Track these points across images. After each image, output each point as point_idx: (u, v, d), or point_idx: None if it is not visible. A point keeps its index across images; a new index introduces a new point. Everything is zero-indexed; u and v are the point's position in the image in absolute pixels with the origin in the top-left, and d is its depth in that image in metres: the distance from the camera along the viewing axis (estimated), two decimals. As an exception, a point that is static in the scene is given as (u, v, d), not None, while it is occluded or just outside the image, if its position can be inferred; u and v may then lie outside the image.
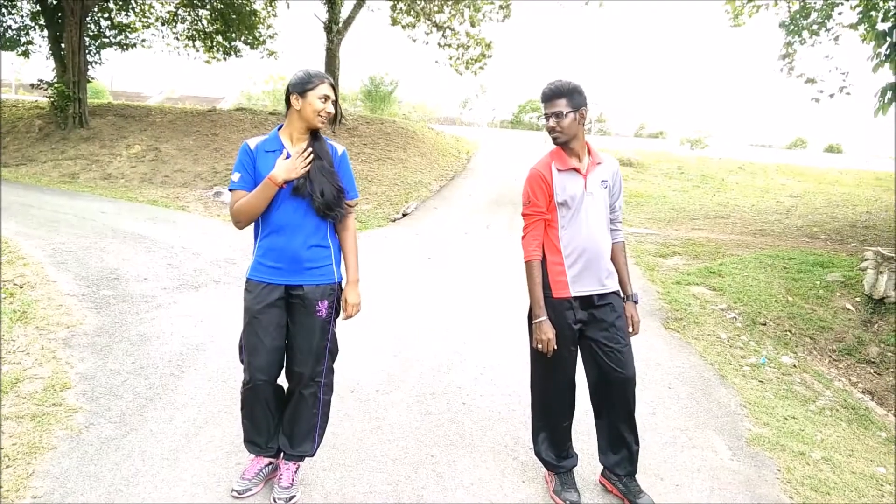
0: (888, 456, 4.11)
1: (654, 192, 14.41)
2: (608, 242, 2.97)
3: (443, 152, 17.10)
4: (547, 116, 2.85)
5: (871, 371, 5.68)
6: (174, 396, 3.79)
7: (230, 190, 2.80)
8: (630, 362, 2.95)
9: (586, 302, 2.93)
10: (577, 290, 2.90)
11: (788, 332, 6.09)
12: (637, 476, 3.10)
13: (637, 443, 3.05)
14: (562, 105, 2.80)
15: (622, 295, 3.05)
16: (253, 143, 2.78)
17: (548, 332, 2.86)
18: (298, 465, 2.97)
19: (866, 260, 7.01)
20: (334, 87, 2.79)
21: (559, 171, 2.88)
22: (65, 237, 7.19)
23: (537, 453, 3.17)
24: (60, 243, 6.87)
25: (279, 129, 2.82)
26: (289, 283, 2.77)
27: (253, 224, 2.81)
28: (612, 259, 3.02)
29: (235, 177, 2.75)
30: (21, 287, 5.27)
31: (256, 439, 2.93)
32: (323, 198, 2.70)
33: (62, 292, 5.32)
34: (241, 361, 2.88)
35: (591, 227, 2.89)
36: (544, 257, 2.93)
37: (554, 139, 2.87)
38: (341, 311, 2.89)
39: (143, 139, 15.54)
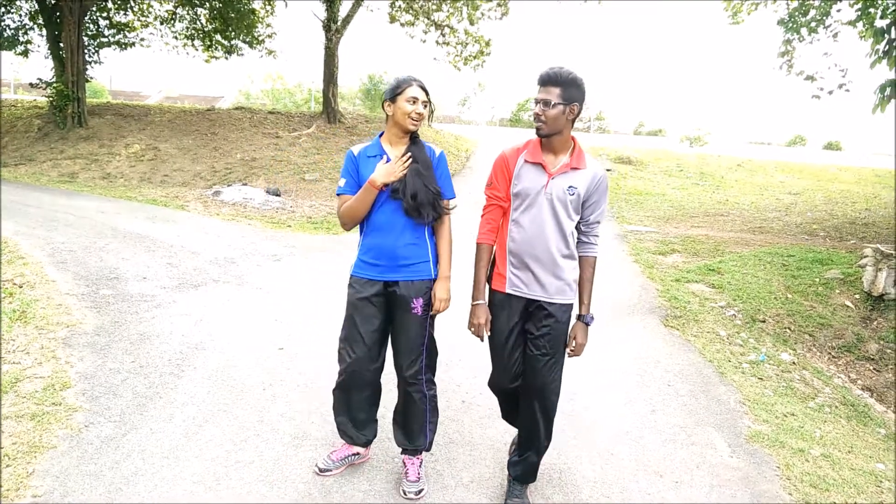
0: (887, 452, 4.11)
1: (654, 190, 14.40)
2: (561, 251, 2.73)
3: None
4: (536, 101, 2.67)
5: (871, 368, 5.68)
6: (174, 395, 3.79)
7: (338, 195, 2.97)
8: (543, 373, 2.79)
9: (525, 305, 2.80)
10: (512, 289, 2.79)
11: (788, 330, 6.09)
12: (635, 473, 3.09)
13: (537, 454, 2.95)
14: (554, 94, 2.60)
15: (579, 312, 2.85)
16: (356, 149, 2.95)
17: (480, 317, 2.81)
18: (421, 460, 3.11)
19: (865, 257, 7.01)
20: (424, 88, 2.86)
21: (526, 161, 2.73)
22: (64, 237, 7.19)
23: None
24: (60, 243, 6.87)
25: (381, 135, 2.96)
26: (387, 280, 2.88)
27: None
28: (580, 272, 2.84)
29: (341, 182, 2.95)
30: (21, 286, 5.27)
31: (348, 430, 3.10)
32: (414, 201, 2.80)
33: (62, 292, 5.32)
34: (338, 355, 3.03)
35: (539, 229, 2.70)
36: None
37: (536, 129, 2.71)
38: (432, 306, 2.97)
39: (142, 138, 15.53)
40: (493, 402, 4.02)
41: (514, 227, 2.76)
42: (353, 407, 3.06)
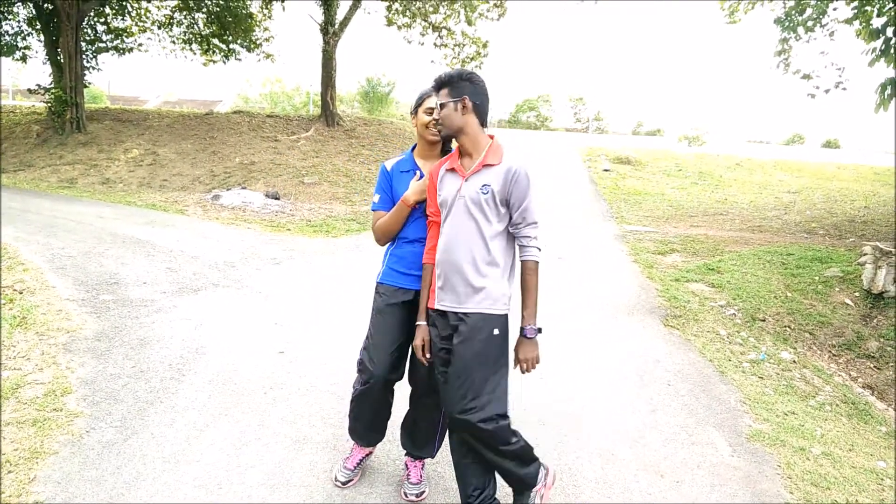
0: (888, 450, 4.12)
1: (653, 190, 14.41)
2: (482, 256, 2.55)
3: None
4: (431, 111, 2.70)
5: (871, 366, 5.69)
6: (175, 400, 3.79)
7: (372, 210, 2.97)
8: (450, 394, 2.56)
9: (447, 319, 2.63)
10: (439, 304, 2.63)
11: (788, 328, 6.10)
12: (636, 473, 3.09)
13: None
14: (444, 95, 2.56)
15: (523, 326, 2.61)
16: (389, 164, 2.95)
17: (417, 338, 2.71)
18: (423, 462, 3.11)
19: (865, 255, 7.02)
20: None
21: (446, 170, 2.65)
22: (64, 242, 7.19)
23: None
24: (59, 248, 6.87)
25: (413, 148, 2.96)
26: (417, 289, 2.86)
27: None
28: (520, 280, 2.64)
29: (376, 198, 2.95)
30: (21, 292, 5.27)
31: (363, 433, 3.09)
32: None
33: (62, 297, 5.32)
34: (358, 364, 2.97)
35: (455, 235, 2.56)
36: None
37: (438, 132, 2.69)
38: None
39: (141, 143, 15.54)
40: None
41: (440, 238, 2.65)
42: (369, 413, 3.02)
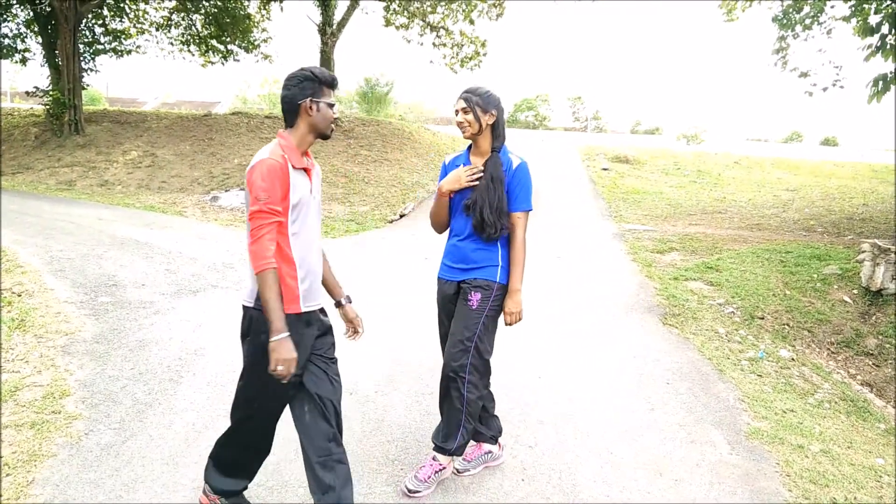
0: (887, 447, 4.12)
1: (651, 189, 14.41)
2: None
3: (439, 152, 17.10)
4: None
5: (870, 363, 5.69)
6: (173, 402, 3.80)
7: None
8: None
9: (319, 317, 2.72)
10: (308, 305, 2.60)
11: (786, 326, 6.10)
12: (635, 472, 3.09)
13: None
14: None
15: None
16: (448, 158, 3.19)
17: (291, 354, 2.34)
18: (443, 467, 3.09)
19: (863, 252, 7.02)
20: (464, 98, 2.95)
21: (294, 168, 2.48)
22: (62, 244, 7.19)
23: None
24: (58, 251, 6.87)
25: (470, 146, 3.13)
26: (460, 280, 3.06)
27: None
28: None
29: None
30: (19, 295, 5.27)
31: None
32: (480, 217, 2.92)
33: (60, 300, 5.32)
34: None
35: (315, 234, 2.60)
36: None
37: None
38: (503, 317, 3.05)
39: (140, 145, 15.54)
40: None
41: (299, 240, 2.53)
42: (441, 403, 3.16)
